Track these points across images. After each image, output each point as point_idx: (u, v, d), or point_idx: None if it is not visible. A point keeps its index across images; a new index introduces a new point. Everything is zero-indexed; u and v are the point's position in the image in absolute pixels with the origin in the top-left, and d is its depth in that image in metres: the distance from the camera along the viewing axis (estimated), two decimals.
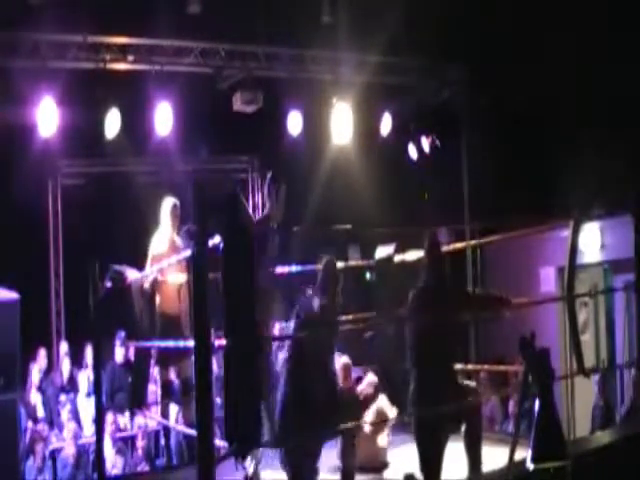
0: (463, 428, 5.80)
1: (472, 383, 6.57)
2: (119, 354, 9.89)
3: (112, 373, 9.70)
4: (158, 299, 7.40)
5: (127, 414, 9.59)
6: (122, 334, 9.61)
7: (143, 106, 9.18)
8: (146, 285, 7.29)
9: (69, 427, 9.03)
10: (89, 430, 9.28)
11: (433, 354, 5.66)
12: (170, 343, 6.84)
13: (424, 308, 5.81)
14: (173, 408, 9.33)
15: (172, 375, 10.19)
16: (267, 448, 5.80)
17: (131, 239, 10.69)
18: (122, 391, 9.63)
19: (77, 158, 11.18)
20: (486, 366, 9.04)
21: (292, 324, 5.92)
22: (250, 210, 7.03)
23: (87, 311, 6.70)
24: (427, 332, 5.71)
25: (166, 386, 8.17)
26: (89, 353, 10.03)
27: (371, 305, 7.39)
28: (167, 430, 9.38)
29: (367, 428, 6.84)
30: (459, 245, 7.97)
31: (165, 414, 8.39)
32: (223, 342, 4.52)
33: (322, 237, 11.55)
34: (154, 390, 9.12)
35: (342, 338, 6.50)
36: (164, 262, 7.08)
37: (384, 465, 7.08)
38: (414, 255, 7.33)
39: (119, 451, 9.09)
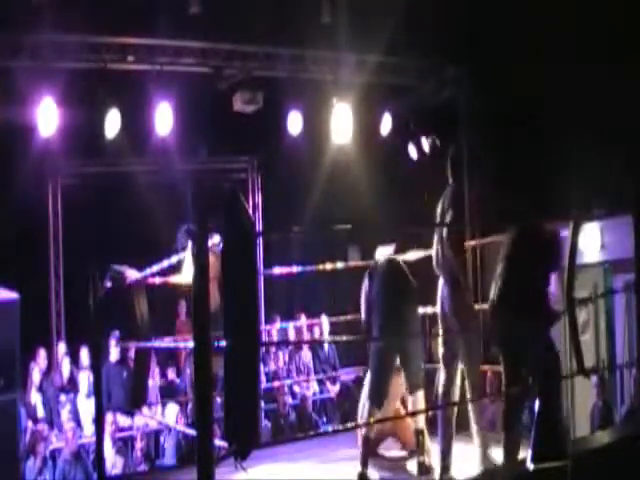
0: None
1: None
2: (113, 353, 9.89)
3: (107, 372, 9.71)
4: None
5: (125, 411, 9.61)
6: (116, 333, 9.62)
7: (143, 106, 9.18)
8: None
9: (68, 427, 9.04)
10: (89, 430, 9.28)
11: None
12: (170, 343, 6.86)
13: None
14: (173, 408, 9.34)
15: (172, 375, 10.21)
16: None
17: (131, 239, 10.73)
18: (116, 386, 9.65)
19: (77, 158, 11.17)
20: (487, 366, 9.03)
21: None
22: (250, 210, 7.02)
23: (87, 311, 6.70)
24: None
25: (166, 386, 8.18)
26: (85, 354, 10.05)
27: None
28: (167, 430, 9.39)
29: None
30: None
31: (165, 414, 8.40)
32: (223, 342, 4.52)
33: (322, 237, 11.59)
34: (154, 390, 9.12)
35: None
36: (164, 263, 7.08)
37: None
38: (414, 255, 7.34)
39: (119, 451, 9.09)
